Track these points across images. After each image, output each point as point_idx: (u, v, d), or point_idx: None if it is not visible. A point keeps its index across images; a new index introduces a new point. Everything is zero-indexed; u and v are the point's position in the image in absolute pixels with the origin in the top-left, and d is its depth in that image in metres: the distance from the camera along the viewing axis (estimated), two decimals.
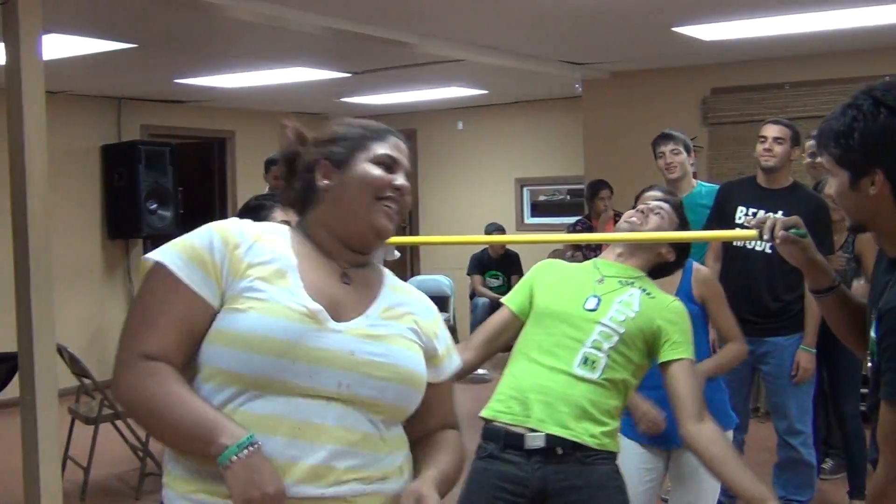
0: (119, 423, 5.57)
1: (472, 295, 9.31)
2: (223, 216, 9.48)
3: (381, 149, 1.85)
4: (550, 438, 2.53)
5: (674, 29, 6.14)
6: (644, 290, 2.78)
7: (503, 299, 2.87)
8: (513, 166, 10.38)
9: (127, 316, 1.71)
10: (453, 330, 6.69)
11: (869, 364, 2.02)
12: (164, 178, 8.66)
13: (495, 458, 2.58)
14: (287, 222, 3.24)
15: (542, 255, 9.60)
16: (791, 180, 4.52)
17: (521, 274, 9.20)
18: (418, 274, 10.69)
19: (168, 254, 1.68)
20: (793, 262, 2.24)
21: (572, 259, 7.27)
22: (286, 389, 1.64)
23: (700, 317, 3.29)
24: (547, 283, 2.80)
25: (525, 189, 10.39)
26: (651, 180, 5.80)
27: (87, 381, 5.56)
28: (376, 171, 1.82)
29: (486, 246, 9.17)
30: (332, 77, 7.77)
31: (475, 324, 9.01)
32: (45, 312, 4.53)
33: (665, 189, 3.40)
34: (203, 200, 9.91)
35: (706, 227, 4.64)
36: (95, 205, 8.75)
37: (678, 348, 2.67)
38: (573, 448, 2.53)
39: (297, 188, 1.88)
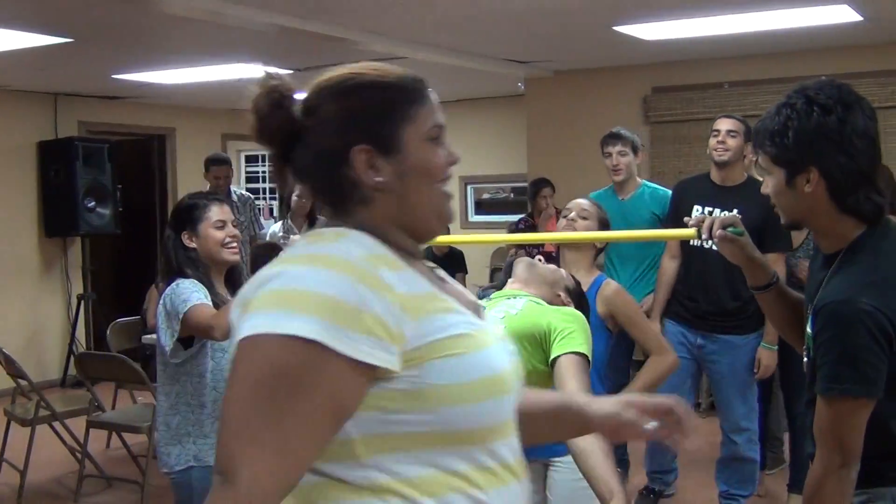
0: (56, 424, 5.46)
1: None
2: (163, 214, 9.44)
3: (428, 117, 1.41)
4: None
5: (615, 28, 6.18)
6: (532, 300, 2.70)
7: None
8: (457, 164, 10.36)
9: (237, 424, 1.22)
10: None
11: (805, 359, 2.06)
12: (103, 175, 8.51)
13: None
14: (223, 222, 3.23)
15: (487, 254, 9.62)
16: (745, 176, 4.49)
17: (465, 272, 9.31)
18: None
19: (304, 324, 1.20)
20: (732, 259, 2.28)
21: (515, 257, 7.29)
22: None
23: (602, 330, 3.22)
24: None
25: (469, 187, 10.41)
26: (594, 178, 5.88)
27: (23, 382, 5.44)
28: (437, 156, 1.42)
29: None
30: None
31: None
32: None
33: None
34: (142, 198, 9.76)
35: (663, 227, 4.66)
36: (32, 202, 8.57)
37: (569, 342, 2.52)
38: None
39: (320, 185, 1.41)
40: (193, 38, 6.29)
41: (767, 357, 4.41)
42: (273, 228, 7.29)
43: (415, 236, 1.43)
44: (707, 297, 4.47)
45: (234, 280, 3.33)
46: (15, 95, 8.39)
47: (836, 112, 1.96)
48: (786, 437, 5.18)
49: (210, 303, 3.09)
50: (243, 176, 13.78)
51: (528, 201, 7.94)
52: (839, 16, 5.93)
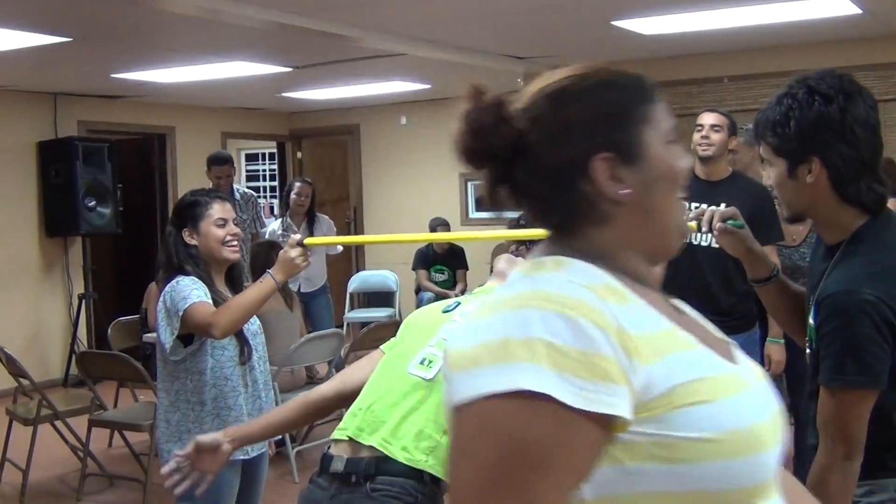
0: (58, 423, 5.47)
1: (418, 290, 9.31)
2: (163, 213, 9.43)
3: (665, 117, 1.23)
4: (351, 462, 2.22)
5: (613, 23, 6.18)
6: None
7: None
8: (457, 161, 10.36)
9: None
10: (398, 325, 6.69)
11: (808, 351, 2.06)
12: (103, 174, 8.51)
13: (311, 482, 2.30)
14: (224, 220, 3.23)
15: (487, 250, 9.62)
16: (730, 170, 4.39)
17: (466, 268, 9.32)
18: (363, 269, 10.65)
19: (540, 378, 1.01)
20: (732, 252, 2.27)
21: (516, 254, 7.28)
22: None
23: None
24: None
25: (469, 183, 10.40)
26: None
27: (24, 381, 5.45)
28: (680, 159, 1.24)
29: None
30: (273, 71, 7.70)
31: None
32: None
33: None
34: (143, 197, 9.77)
35: None
36: (32, 203, 8.57)
37: None
38: (375, 469, 2.19)
39: (549, 205, 1.21)
40: (193, 36, 6.29)
41: (777, 352, 4.35)
42: (273, 226, 7.31)
43: (652, 257, 1.27)
44: (701, 297, 4.33)
45: (234, 278, 3.33)
46: (14, 95, 8.39)
47: (837, 101, 1.96)
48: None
49: (210, 300, 3.08)
50: (244, 174, 13.80)
51: None
52: (838, 9, 5.94)
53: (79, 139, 8.51)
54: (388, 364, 2.42)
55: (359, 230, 10.95)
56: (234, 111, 10.64)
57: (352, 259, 10.90)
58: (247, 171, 14.12)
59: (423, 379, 2.28)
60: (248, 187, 10.19)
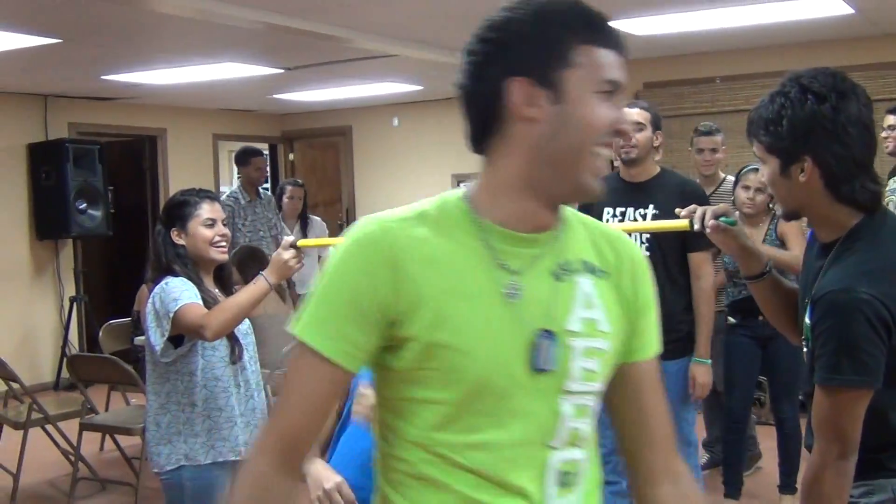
0: (49, 427, 5.43)
1: None
2: (155, 215, 9.38)
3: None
4: None
5: None
6: None
7: None
8: (449, 162, 10.35)
9: None
10: None
11: (804, 350, 2.04)
12: (94, 177, 8.46)
13: None
14: (213, 220, 3.20)
15: None
16: (658, 169, 3.95)
17: None
18: None
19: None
20: (725, 249, 2.26)
21: None
22: None
23: None
24: None
25: (462, 185, 10.36)
26: None
27: (15, 385, 5.41)
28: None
29: None
30: (264, 73, 7.67)
31: None
32: None
33: None
34: (134, 199, 9.73)
35: None
36: (22, 205, 8.52)
37: None
38: None
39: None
40: (183, 37, 6.26)
41: (702, 373, 3.83)
42: None
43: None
44: None
45: (223, 279, 3.31)
46: (4, 97, 8.35)
47: (830, 100, 1.95)
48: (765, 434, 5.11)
49: (201, 301, 3.06)
50: (236, 176, 13.75)
51: None
52: (831, 9, 5.94)
53: (69, 141, 8.46)
54: None
55: None
56: (225, 113, 10.61)
57: None
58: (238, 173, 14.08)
59: None
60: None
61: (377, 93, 9.48)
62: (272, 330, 5.64)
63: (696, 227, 2.18)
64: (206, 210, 3.19)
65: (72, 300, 8.54)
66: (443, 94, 9.92)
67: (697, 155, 5.07)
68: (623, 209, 3.86)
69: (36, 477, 5.69)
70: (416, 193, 9.54)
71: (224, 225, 3.23)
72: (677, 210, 2.29)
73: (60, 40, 6.00)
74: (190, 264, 3.15)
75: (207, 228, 3.17)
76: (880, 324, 1.87)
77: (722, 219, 2.15)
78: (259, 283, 3.07)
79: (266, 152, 12.14)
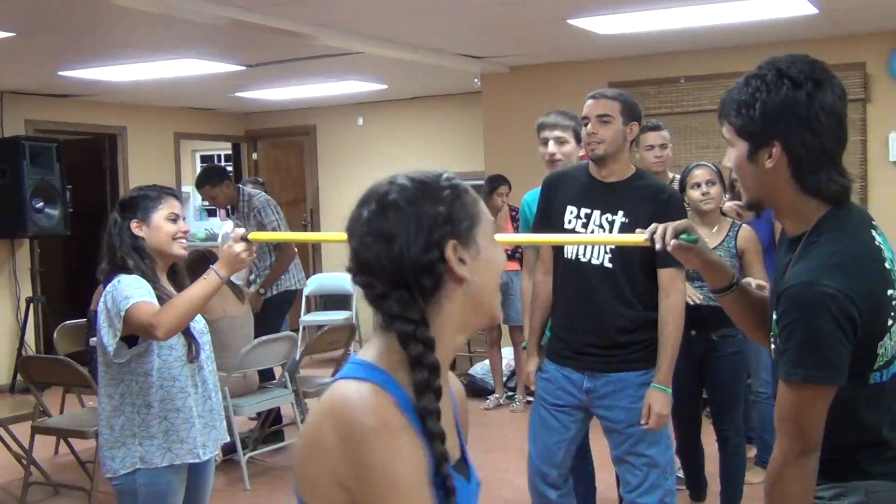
0: (1, 430, 5.30)
1: None
2: None
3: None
4: None
5: (569, 21, 6.13)
6: None
7: None
8: (415, 162, 10.28)
9: None
10: (355, 329, 6.60)
11: (772, 346, 2.00)
12: (51, 175, 8.30)
13: None
14: (176, 215, 3.12)
15: None
16: (633, 169, 3.51)
17: None
18: (319, 271, 10.54)
19: None
20: (688, 265, 2.23)
21: None
22: None
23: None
24: None
25: None
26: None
27: None
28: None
29: None
30: (225, 70, 7.56)
31: (378, 324, 8.88)
32: None
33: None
34: (94, 198, 9.55)
35: (533, 231, 3.82)
36: None
37: None
38: None
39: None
40: (142, 32, 6.14)
41: (660, 402, 3.36)
42: (225, 228, 7.14)
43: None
44: (592, 323, 3.44)
45: (175, 276, 3.23)
46: None
47: (805, 87, 1.90)
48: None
49: (154, 299, 2.98)
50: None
51: (483, 199, 7.87)
52: (795, 9, 5.94)
53: (26, 138, 8.29)
54: None
55: (315, 231, 10.83)
56: (187, 111, 10.48)
57: (308, 261, 10.77)
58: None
59: None
60: None
61: (341, 92, 9.41)
62: (232, 333, 5.55)
63: (658, 246, 2.13)
64: (171, 205, 3.13)
65: (28, 301, 8.39)
66: (407, 94, 9.87)
67: (647, 152, 4.88)
68: (588, 211, 3.46)
69: None
70: None
71: (184, 221, 3.18)
72: (638, 230, 2.22)
73: (14, 34, 5.85)
74: (147, 258, 3.08)
75: (171, 223, 3.11)
76: (845, 319, 1.82)
77: (683, 237, 2.11)
78: (210, 278, 3.00)
79: (228, 151, 12.07)
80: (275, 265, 6.29)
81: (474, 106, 8.91)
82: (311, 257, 10.86)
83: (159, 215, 3.10)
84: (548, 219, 3.54)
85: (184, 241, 3.16)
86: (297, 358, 6.01)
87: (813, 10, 5.96)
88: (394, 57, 7.06)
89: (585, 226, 3.45)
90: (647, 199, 3.38)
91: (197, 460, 3.09)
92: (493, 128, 8.34)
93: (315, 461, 1.38)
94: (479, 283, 1.48)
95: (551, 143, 4.11)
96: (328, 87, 9.03)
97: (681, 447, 4.61)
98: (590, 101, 3.46)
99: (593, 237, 3.47)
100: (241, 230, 3.07)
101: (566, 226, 3.47)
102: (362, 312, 9.67)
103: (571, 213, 3.48)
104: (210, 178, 6.37)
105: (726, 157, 2.05)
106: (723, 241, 4.39)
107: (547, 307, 3.64)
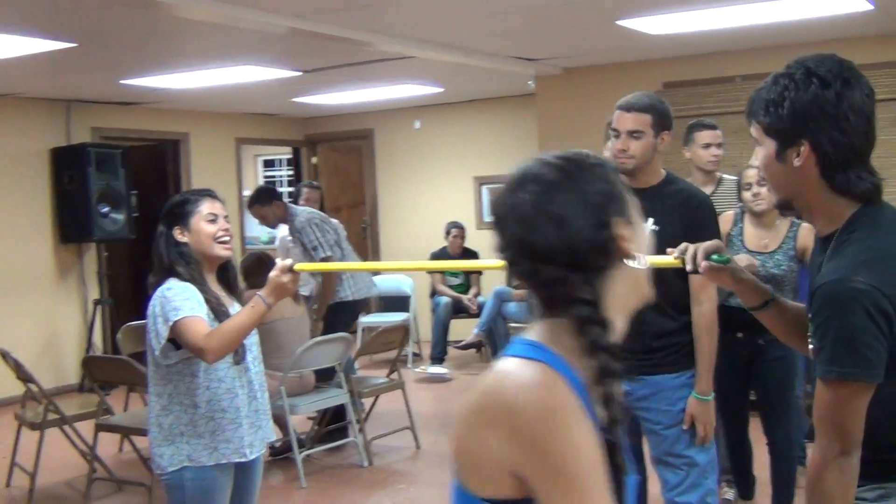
0: (66, 428, 5.47)
1: (433, 294, 9.29)
2: None
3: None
4: None
5: (618, 22, 6.13)
6: None
7: None
8: (471, 165, 10.36)
9: None
10: (409, 330, 6.64)
11: (810, 346, 1.99)
12: (116, 180, 8.54)
13: None
14: (215, 215, 3.19)
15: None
16: (663, 174, 3.43)
17: (479, 273, 9.28)
18: (378, 274, 10.63)
19: None
20: (720, 284, 2.21)
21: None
22: None
23: None
24: None
25: (484, 187, 10.37)
26: None
27: (32, 386, 5.45)
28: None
29: (446, 244, 9.21)
30: (283, 76, 7.69)
31: (437, 323, 8.99)
32: None
33: None
34: (158, 203, 9.66)
35: None
36: (45, 209, 8.61)
37: None
38: None
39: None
40: (202, 41, 6.29)
41: (700, 411, 3.33)
42: (282, 232, 7.22)
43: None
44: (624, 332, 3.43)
45: (228, 280, 3.29)
46: (27, 102, 8.44)
47: (834, 86, 1.90)
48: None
49: (204, 309, 3.05)
50: (262, 181, 13.81)
51: None
52: (851, 6, 5.86)
53: (91, 145, 8.53)
54: None
55: (374, 234, 10.96)
56: (248, 116, 10.66)
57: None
58: (265, 177, 14.17)
59: None
60: None
61: (398, 96, 9.48)
62: (288, 334, 5.66)
63: (689, 267, 2.12)
64: (208, 206, 3.18)
65: (95, 303, 8.62)
66: (463, 97, 9.92)
67: (702, 150, 4.88)
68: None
69: (53, 477, 5.75)
70: (438, 195, 9.64)
71: (226, 221, 3.22)
72: (669, 249, 2.20)
73: (76, 45, 6.03)
74: (193, 263, 3.13)
75: (210, 223, 3.15)
76: (880, 314, 1.81)
77: (714, 257, 2.10)
78: (257, 306, 3.01)
79: (290, 155, 12.24)
80: (322, 285, 6.40)
81: (529, 108, 8.93)
82: (370, 260, 10.97)
83: (198, 218, 3.15)
84: None
85: (226, 239, 3.17)
86: (353, 358, 6.09)
87: (868, 7, 5.88)
88: (448, 61, 7.11)
89: None
90: (677, 206, 3.33)
91: (243, 459, 3.14)
92: (547, 129, 8.35)
93: (480, 442, 1.29)
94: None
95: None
96: (385, 91, 9.12)
97: (728, 446, 4.59)
98: (620, 114, 3.35)
99: None
100: (288, 261, 3.05)
101: None
102: (420, 314, 9.76)
103: None
104: (259, 198, 6.54)
105: (754, 156, 2.06)
106: (781, 244, 4.34)
107: None
